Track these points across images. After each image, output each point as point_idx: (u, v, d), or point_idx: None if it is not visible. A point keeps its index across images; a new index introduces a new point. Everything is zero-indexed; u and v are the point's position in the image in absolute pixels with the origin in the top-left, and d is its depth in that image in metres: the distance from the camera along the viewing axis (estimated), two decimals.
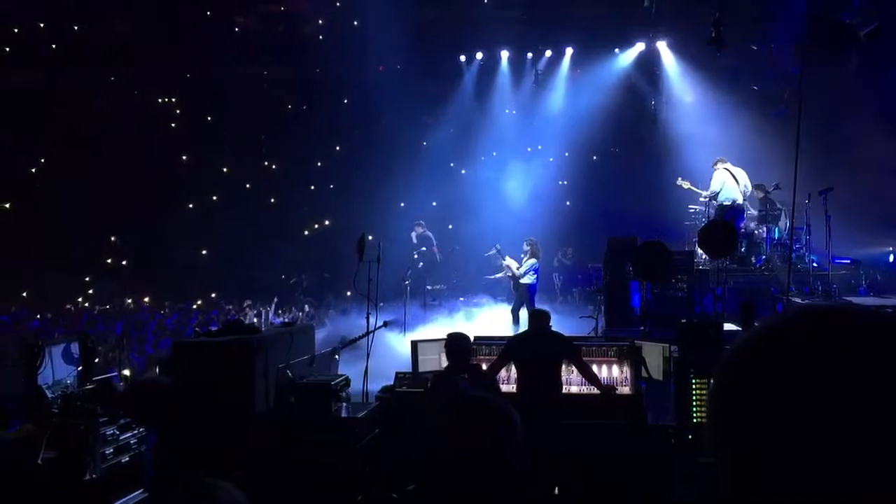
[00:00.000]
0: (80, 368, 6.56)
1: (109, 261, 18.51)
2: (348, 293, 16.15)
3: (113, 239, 18.89)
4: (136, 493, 5.29)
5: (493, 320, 13.89)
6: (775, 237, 12.71)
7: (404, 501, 3.48)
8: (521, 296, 13.37)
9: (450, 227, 19.90)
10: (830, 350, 0.80)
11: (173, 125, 20.12)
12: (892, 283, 11.20)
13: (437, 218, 19.84)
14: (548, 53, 18.95)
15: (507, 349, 7.03)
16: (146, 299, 16.87)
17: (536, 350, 6.78)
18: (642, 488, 6.06)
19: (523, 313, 13.31)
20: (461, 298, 15.59)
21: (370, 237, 10.18)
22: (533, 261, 13.48)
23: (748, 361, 0.87)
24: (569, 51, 18.68)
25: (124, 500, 5.21)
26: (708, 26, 12.40)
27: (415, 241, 16.20)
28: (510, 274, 13.82)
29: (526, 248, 13.76)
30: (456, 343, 6.28)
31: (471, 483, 1.72)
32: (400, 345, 11.34)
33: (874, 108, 12.93)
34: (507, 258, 14.02)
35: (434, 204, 20.20)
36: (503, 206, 18.77)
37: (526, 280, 13.37)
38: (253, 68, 19.17)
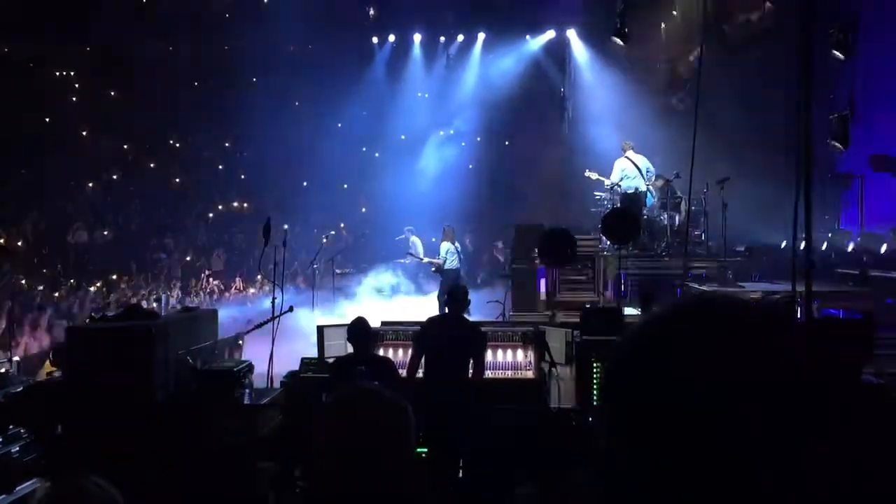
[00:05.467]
0: None
1: (2, 241, 17.65)
2: (259, 276, 15.89)
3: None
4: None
5: (403, 304, 13.94)
6: (676, 224, 13.12)
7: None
8: (445, 281, 13.51)
9: (363, 210, 19.79)
10: (699, 335, 0.94)
11: (74, 100, 19.28)
12: (782, 270, 11.74)
13: (348, 200, 19.72)
14: (460, 38, 19.00)
15: (417, 337, 6.91)
16: (41, 283, 16.14)
17: (446, 337, 6.67)
18: (544, 469, 6.21)
19: None
20: (372, 282, 15.52)
21: (286, 226, 10.01)
22: (446, 244, 13.70)
23: (637, 345, 1.00)
24: (481, 35, 18.78)
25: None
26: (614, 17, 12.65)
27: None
28: (419, 261, 14.37)
29: (444, 233, 14.16)
30: (356, 329, 6.20)
31: (354, 476, 1.73)
32: (309, 329, 11.24)
33: (772, 103, 13.44)
34: (418, 242, 14.24)
35: (345, 186, 20.05)
36: (415, 189, 18.76)
37: (449, 265, 13.61)
38: (159, 44, 18.50)
